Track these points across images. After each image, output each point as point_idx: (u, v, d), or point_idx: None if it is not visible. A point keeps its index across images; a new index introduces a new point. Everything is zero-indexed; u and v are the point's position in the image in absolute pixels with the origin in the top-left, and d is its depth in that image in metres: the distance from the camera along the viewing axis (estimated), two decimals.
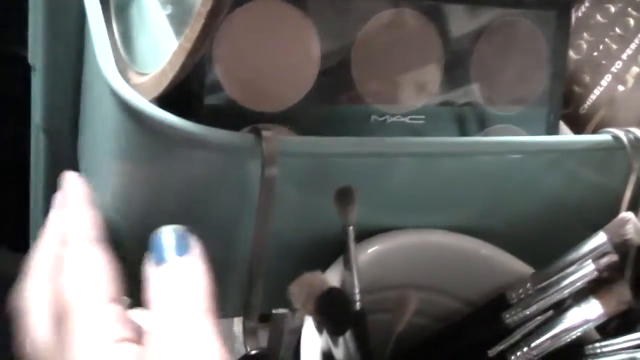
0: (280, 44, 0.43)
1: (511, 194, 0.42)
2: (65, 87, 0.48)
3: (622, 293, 0.40)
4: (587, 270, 0.40)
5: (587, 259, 0.40)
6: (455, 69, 0.48)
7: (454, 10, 0.47)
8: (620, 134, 0.43)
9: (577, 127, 0.58)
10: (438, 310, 0.43)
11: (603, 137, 0.43)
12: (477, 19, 0.48)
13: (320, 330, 0.33)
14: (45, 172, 0.51)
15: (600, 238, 0.40)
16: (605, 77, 0.58)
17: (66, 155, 0.48)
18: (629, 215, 0.40)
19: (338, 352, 0.34)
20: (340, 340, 0.33)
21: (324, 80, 0.44)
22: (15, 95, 0.63)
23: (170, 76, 0.35)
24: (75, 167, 0.46)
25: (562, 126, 0.55)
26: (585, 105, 0.58)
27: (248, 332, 0.35)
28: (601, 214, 0.42)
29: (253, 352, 0.36)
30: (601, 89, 0.57)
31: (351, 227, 0.36)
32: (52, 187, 0.51)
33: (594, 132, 0.57)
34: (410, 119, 0.46)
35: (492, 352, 0.41)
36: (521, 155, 0.42)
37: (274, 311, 0.38)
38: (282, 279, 0.34)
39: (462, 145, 0.40)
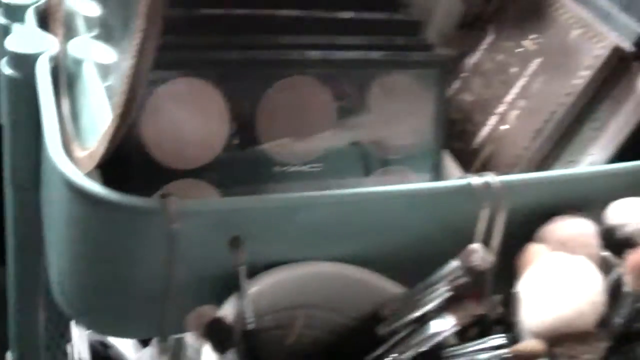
0: (196, 112, 0.53)
1: (387, 230, 0.52)
2: (28, 147, 0.57)
3: (471, 308, 0.50)
4: (444, 290, 0.50)
5: (444, 281, 0.50)
6: (349, 120, 0.58)
7: (344, 72, 0.57)
8: (474, 179, 0.53)
9: (469, 161, 0.68)
10: (326, 324, 0.53)
11: (460, 182, 0.53)
12: (366, 77, 0.58)
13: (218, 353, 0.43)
14: (13, 223, 0.61)
15: (454, 264, 0.50)
16: (492, 117, 0.68)
17: (32, 208, 0.58)
18: (476, 246, 0.50)
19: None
20: (229, 357, 0.43)
21: (234, 139, 0.54)
22: None
23: (99, 153, 0.45)
24: (39, 220, 0.56)
25: (450, 162, 0.65)
26: (476, 142, 0.68)
27: (161, 352, 0.45)
28: (460, 245, 0.51)
29: None
30: (488, 127, 0.67)
31: (242, 267, 0.46)
32: (20, 235, 0.62)
33: (483, 165, 0.67)
34: (309, 167, 0.56)
35: (368, 358, 0.51)
36: (393, 200, 0.52)
37: (172, 336, 0.48)
38: (192, 309, 0.44)
39: (339, 196, 0.50)
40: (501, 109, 0.67)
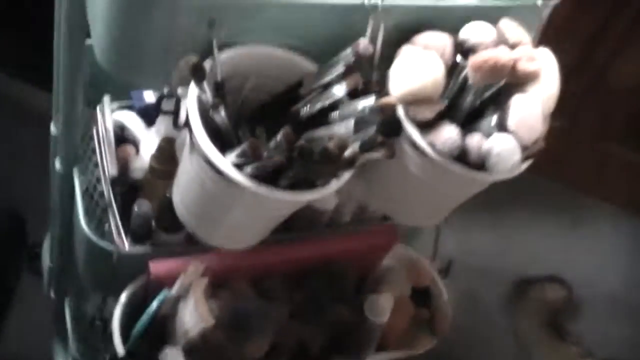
0: None
1: (314, 28, 0.82)
2: None
3: (356, 78, 0.81)
4: (341, 66, 0.80)
5: (342, 61, 0.81)
6: None
7: None
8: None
9: None
10: (270, 88, 0.84)
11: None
12: None
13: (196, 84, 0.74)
14: (66, 26, 0.90)
15: (348, 50, 0.80)
16: None
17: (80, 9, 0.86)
18: (363, 39, 0.80)
19: (205, 96, 0.75)
20: (205, 88, 0.74)
21: None
22: None
23: None
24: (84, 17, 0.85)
25: None
26: None
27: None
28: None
29: None
30: None
31: (215, 40, 0.76)
32: (69, 23, 0.90)
33: None
34: None
35: (293, 108, 0.82)
36: (318, 7, 0.81)
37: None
38: None
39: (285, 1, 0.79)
40: None
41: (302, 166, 0.73)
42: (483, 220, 2.03)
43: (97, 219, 1.10)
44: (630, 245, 2.13)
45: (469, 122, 0.90)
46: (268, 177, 0.76)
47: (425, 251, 1.28)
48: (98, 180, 1.10)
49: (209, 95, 0.76)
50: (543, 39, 0.94)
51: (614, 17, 1.93)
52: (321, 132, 0.81)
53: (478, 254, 1.97)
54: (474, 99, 0.89)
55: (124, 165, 1.09)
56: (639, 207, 2.20)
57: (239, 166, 0.76)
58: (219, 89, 0.77)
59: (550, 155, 1.80)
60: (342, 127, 0.81)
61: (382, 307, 1.10)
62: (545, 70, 0.88)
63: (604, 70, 2.05)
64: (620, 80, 2.06)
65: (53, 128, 1.08)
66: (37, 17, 1.36)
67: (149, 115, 1.10)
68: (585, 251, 2.08)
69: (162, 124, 1.05)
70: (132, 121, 1.11)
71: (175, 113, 0.76)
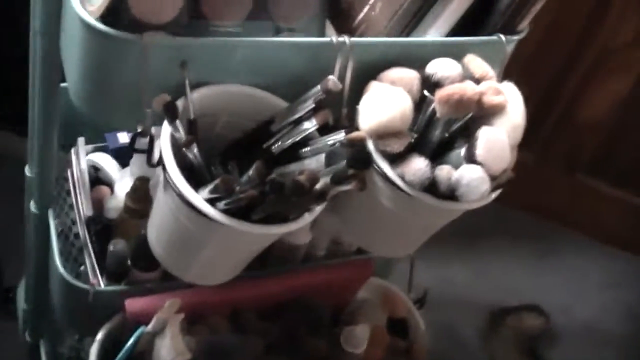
0: None
1: (282, 66, 0.84)
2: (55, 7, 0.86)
3: (326, 114, 0.83)
4: (310, 102, 0.82)
5: (311, 98, 0.83)
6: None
7: None
8: (334, 38, 0.84)
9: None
10: (242, 126, 0.85)
11: (326, 39, 0.84)
12: None
13: (169, 122, 0.76)
14: (41, 62, 0.91)
15: (317, 87, 0.82)
16: (366, 6, 0.98)
17: (54, 50, 0.88)
18: (331, 77, 0.82)
19: (177, 134, 0.76)
20: (177, 128, 0.75)
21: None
22: None
23: (102, 7, 0.75)
24: (59, 58, 0.87)
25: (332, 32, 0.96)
26: (355, 23, 0.99)
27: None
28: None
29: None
30: (363, 13, 0.98)
31: (187, 80, 0.77)
32: (45, 70, 0.92)
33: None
34: (234, 29, 0.87)
35: (265, 145, 0.84)
36: (286, 46, 0.83)
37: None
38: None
39: (250, 42, 0.81)
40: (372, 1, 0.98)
41: (274, 200, 0.75)
42: (458, 251, 2.05)
43: (73, 259, 1.11)
44: (601, 273, 2.16)
45: (439, 154, 0.92)
46: (241, 211, 0.77)
47: (401, 283, 1.30)
48: (73, 221, 1.10)
49: (181, 133, 0.77)
50: (510, 74, 0.96)
51: (578, 54, 1.99)
52: (293, 167, 0.83)
53: (454, 285, 1.99)
54: (442, 131, 0.91)
55: (99, 205, 1.10)
56: (608, 236, 2.24)
57: (211, 201, 0.77)
58: (191, 126, 0.79)
59: (523, 187, 1.86)
60: (314, 162, 0.83)
61: (359, 338, 1.10)
62: (511, 103, 0.91)
63: (571, 104, 2.10)
64: (587, 114, 2.11)
65: (28, 170, 1.08)
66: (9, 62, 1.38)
67: (123, 156, 1.11)
68: (558, 280, 2.10)
69: (136, 164, 1.06)
70: (107, 162, 1.12)
71: (149, 151, 0.77)
